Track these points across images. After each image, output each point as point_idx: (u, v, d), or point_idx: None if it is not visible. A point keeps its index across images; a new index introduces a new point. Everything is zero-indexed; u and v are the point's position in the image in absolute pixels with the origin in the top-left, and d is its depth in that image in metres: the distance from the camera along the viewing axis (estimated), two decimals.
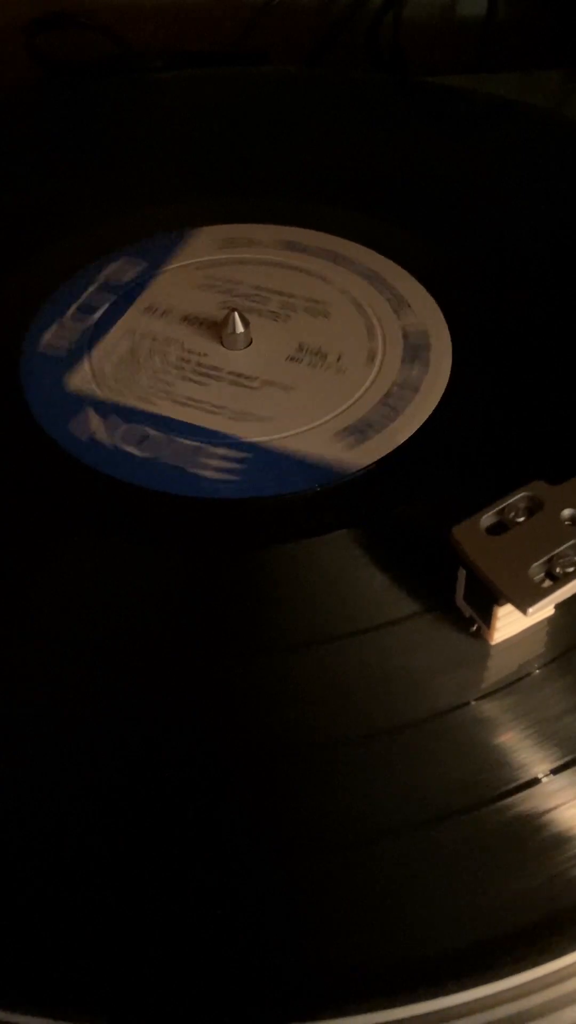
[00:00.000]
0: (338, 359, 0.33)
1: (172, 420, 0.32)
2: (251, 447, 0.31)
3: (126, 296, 0.36)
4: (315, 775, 0.24)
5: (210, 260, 0.37)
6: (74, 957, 0.22)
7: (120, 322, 0.35)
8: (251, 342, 0.34)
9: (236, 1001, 0.21)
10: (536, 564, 0.24)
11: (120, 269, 0.37)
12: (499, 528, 0.25)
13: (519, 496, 0.26)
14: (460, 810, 0.23)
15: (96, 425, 0.32)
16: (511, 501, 0.25)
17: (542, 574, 0.24)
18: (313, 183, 0.41)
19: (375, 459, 0.30)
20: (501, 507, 0.25)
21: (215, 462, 0.30)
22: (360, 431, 0.31)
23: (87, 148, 0.44)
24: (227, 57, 0.50)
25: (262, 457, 0.30)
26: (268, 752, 0.24)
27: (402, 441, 0.31)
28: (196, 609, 0.27)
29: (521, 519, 0.25)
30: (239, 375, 0.33)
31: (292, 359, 0.33)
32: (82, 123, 0.46)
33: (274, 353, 0.34)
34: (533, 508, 0.25)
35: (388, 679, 0.25)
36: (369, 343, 0.33)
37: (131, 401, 0.32)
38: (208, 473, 0.30)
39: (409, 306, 0.35)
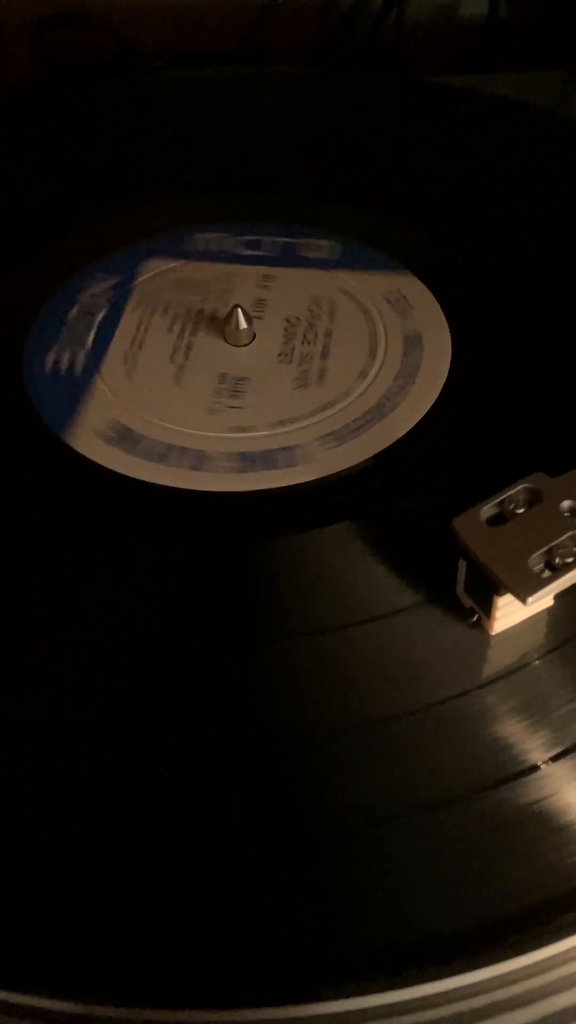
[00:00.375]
0: (239, 407, 0.32)
1: (107, 330, 0.34)
2: (87, 378, 0.33)
3: (280, 260, 0.37)
4: (319, 761, 0.24)
5: (353, 287, 0.36)
6: (83, 938, 0.22)
7: (225, 265, 0.37)
8: (247, 344, 0.34)
9: (238, 982, 0.22)
10: (536, 555, 0.25)
11: (316, 246, 0.38)
12: (499, 519, 0.26)
13: (519, 488, 0.26)
14: (460, 796, 0.24)
15: (87, 295, 0.35)
16: (511, 493, 0.26)
17: (541, 564, 0.25)
18: (315, 182, 0.41)
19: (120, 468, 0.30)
20: (501, 499, 0.26)
21: (62, 361, 0.33)
22: (120, 435, 0.31)
23: (91, 147, 0.44)
24: (230, 57, 0.51)
25: (74, 387, 0.33)
26: (272, 738, 0.25)
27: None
28: (200, 600, 0.27)
29: (521, 511, 0.26)
30: (184, 353, 0.34)
31: (222, 379, 0.33)
32: (86, 122, 0.46)
33: (227, 366, 0.34)
34: (533, 500, 0.26)
35: (390, 668, 0.26)
36: (280, 427, 0.32)
37: (127, 300, 0.36)
38: (48, 362, 0.33)
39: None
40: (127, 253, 0.38)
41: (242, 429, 0.32)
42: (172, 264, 0.37)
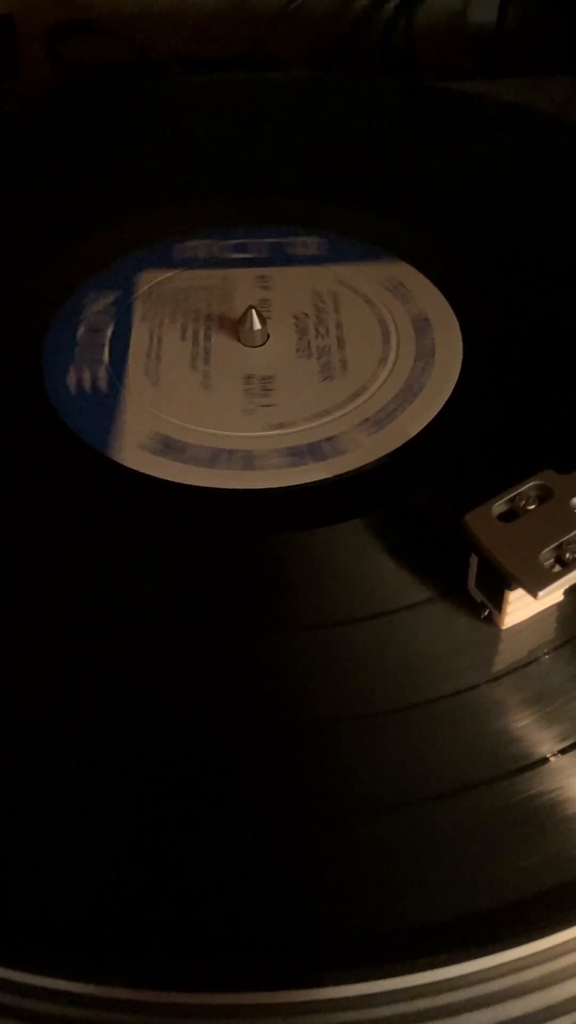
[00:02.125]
0: (273, 405, 0.33)
1: (120, 345, 0.35)
2: (114, 394, 0.33)
3: (271, 260, 0.38)
4: (330, 750, 0.25)
5: (350, 279, 0.37)
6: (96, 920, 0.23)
7: (221, 270, 0.38)
8: (262, 345, 0.35)
9: (252, 967, 0.22)
10: (546, 550, 0.25)
11: (303, 243, 0.38)
12: (510, 516, 0.26)
13: (530, 485, 0.26)
14: (469, 786, 0.24)
15: (91, 312, 0.36)
16: (522, 490, 0.26)
17: (552, 560, 0.25)
18: (327, 186, 0.42)
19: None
20: (512, 495, 0.26)
21: (84, 380, 0.34)
22: (165, 444, 0.31)
23: (106, 151, 0.45)
24: (243, 63, 0.51)
25: (105, 404, 0.33)
26: (287, 727, 0.25)
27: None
28: (214, 594, 0.28)
29: (532, 507, 0.26)
30: (204, 359, 0.34)
31: (248, 380, 0.34)
32: (101, 127, 0.47)
33: (250, 367, 0.34)
34: (543, 496, 0.26)
35: (403, 662, 0.26)
36: (318, 419, 0.32)
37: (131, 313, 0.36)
38: (71, 383, 0.34)
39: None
40: (118, 268, 0.38)
41: (282, 425, 0.32)
42: (167, 274, 0.38)
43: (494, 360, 0.34)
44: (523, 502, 0.26)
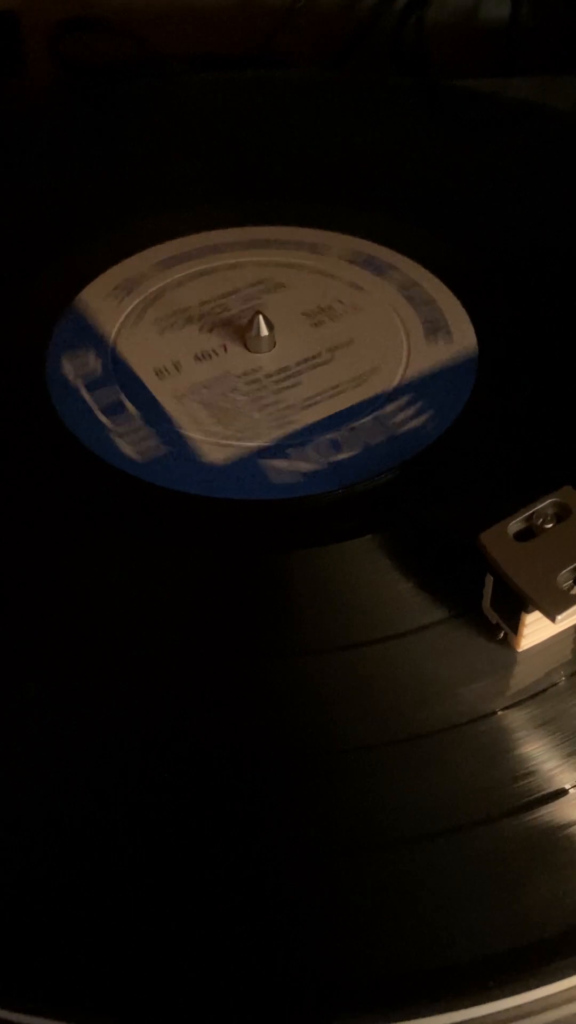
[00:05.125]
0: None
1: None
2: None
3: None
4: (339, 780, 0.24)
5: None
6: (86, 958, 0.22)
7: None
8: (272, 347, 0.34)
9: (260, 1008, 0.21)
10: (565, 571, 0.24)
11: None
12: (527, 534, 0.25)
13: (547, 502, 0.25)
14: (485, 819, 0.23)
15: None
16: (539, 507, 0.25)
17: (570, 581, 0.24)
18: (338, 186, 0.41)
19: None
20: (529, 513, 0.25)
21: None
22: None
23: (112, 150, 0.44)
24: (251, 61, 0.50)
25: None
26: (293, 756, 0.24)
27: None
28: (221, 611, 0.27)
29: (549, 525, 0.25)
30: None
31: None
32: (107, 126, 0.46)
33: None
34: (561, 515, 0.25)
35: (414, 686, 0.25)
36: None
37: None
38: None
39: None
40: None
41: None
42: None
43: (510, 373, 0.33)
44: (540, 520, 0.25)
